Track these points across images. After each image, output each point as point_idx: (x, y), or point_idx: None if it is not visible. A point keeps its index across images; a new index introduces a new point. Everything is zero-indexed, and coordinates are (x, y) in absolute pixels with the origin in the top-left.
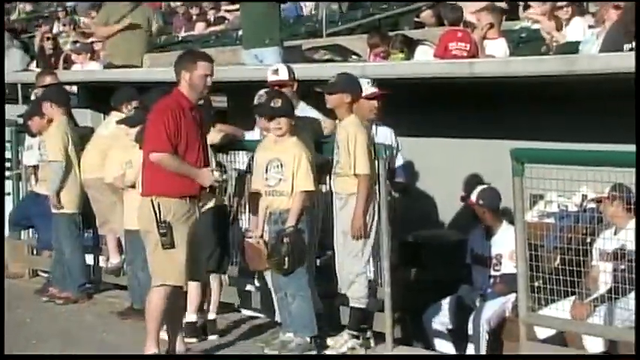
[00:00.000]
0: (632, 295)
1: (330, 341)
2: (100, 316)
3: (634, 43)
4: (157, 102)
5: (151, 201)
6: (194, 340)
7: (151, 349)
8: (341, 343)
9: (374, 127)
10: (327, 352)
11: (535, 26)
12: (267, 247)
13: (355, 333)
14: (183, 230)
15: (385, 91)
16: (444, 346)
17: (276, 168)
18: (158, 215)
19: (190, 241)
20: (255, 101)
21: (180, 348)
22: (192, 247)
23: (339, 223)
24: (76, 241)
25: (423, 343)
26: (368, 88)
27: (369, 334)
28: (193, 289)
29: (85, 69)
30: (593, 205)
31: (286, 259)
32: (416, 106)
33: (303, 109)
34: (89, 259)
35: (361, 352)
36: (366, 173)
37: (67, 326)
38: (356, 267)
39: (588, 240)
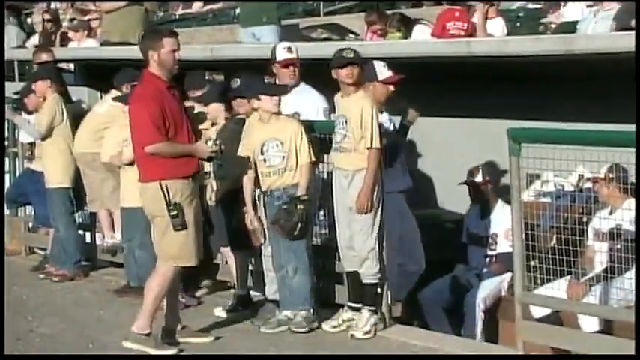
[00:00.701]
0: (628, 274)
1: (328, 324)
2: (97, 293)
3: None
4: (134, 91)
5: (159, 184)
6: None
7: (145, 329)
8: (364, 322)
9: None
10: (353, 332)
11: (532, 5)
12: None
13: (374, 308)
14: (191, 210)
15: (401, 75)
16: (440, 325)
17: (276, 147)
18: (168, 198)
19: (198, 220)
20: (234, 85)
21: (176, 325)
22: (199, 225)
23: (347, 200)
24: (70, 218)
25: (420, 322)
26: (384, 72)
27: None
28: (233, 263)
29: (82, 46)
30: (589, 185)
31: (298, 225)
32: (413, 85)
33: (303, 89)
34: (87, 236)
35: (381, 327)
36: (379, 147)
37: (63, 303)
38: (368, 243)
39: (584, 219)
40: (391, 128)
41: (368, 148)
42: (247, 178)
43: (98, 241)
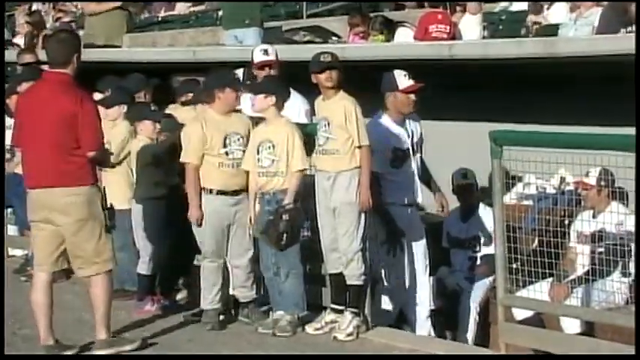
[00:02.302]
0: (610, 277)
1: (311, 327)
2: (78, 295)
3: (631, 27)
4: (81, 93)
5: (100, 188)
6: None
7: (109, 333)
8: (346, 323)
9: (407, 120)
10: (336, 335)
11: (514, 8)
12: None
13: (357, 310)
14: None
15: (422, 83)
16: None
17: (269, 149)
18: (104, 200)
19: None
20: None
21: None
22: None
23: (331, 202)
24: None
25: (403, 325)
26: (404, 81)
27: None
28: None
29: None
30: (571, 187)
31: (284, 235)
32: None
33: None
34: None
35: (363, 329)
36: (369, 144)
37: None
38: (353, 245)
39: (566, 222)
40: (416, 136)
41: (358, 147)
42: (252, 177)
43: None
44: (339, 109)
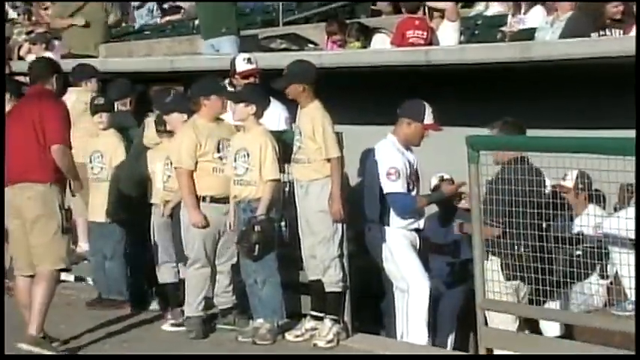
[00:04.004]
0: (589, 279)
1: (291, 334)
2: (56, 307)
3: (607, 31)
4: (51, 96)
5: (54, 186)
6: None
7: (41, 332)
8: (326, 330)
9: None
10: (316, 342)
11: (490, 13)
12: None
13: (336, 318)
14: None
15: (440, 128)
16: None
17: (244, 157)
18: (62, 200)
19: None
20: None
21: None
22: None
23: (303, 211)
24: None
25: (383, 331)
26: (429, 118)
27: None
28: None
29: None
30: (547, 190)
31: (257, 246)
32: (373, 94)
33: None
34: None
35: (344, 336)
36: (338, 156)
37: (22, 318)
38: (330, 252)
39: (544, 226)
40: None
41: (327, 160)
42: (231, 184)
43: None
44: (307, 120)
